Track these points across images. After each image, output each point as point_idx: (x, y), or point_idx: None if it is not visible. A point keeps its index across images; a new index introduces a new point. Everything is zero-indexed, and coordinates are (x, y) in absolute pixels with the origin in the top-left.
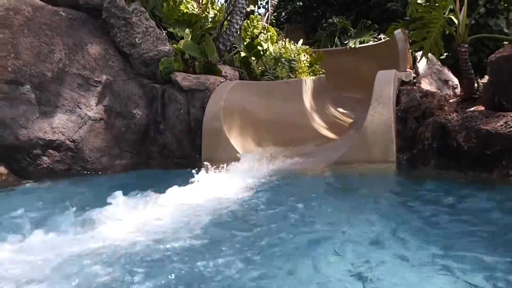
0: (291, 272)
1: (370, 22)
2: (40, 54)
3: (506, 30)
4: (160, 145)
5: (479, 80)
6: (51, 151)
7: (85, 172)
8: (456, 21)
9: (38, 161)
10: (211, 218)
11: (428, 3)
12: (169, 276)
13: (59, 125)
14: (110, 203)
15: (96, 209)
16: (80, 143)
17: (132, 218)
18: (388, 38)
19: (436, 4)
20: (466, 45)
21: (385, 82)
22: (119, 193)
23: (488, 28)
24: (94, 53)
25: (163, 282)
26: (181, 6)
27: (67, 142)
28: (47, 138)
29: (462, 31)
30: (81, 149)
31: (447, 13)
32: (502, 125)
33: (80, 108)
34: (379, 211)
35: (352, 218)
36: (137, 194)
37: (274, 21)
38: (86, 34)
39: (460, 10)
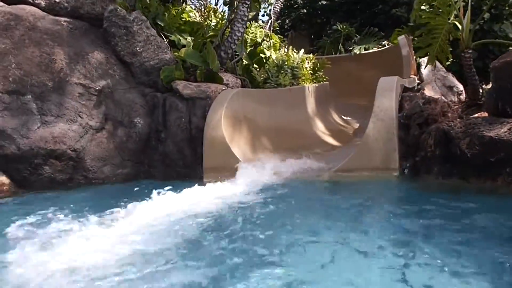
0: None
1: (375, 28)
2: (41, 64)
3: (511, 35)
4: (161, 154)
5: (484, 86)
6: (52, 160)
7: (86, 181)
8: (459, 27)
9: (40, 171)
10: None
11: (432, 9)
12: None
13: (60, 135)
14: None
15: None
16: (82, 152)
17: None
18: (392, 45)
19: (440, 10)
20: (470, 51)
21: (387, 88)
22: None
23: (493, 34)
24: (95, 62)
25: None
26: (183, 15)
27: (69, 151)
28: (48, 148)
29: (466, 36)
30: (82, 159)
31: (452, 18)
32: (506, 132)
33: (81, 118)
34: (380, 221)
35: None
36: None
37: (278, 28)
38: (87, 43)
39: (464, 15)
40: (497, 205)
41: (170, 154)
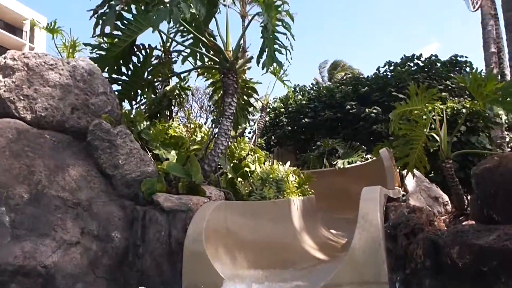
0: None
1: (357, 143)
2: (19, 176)
3: (489, 147)
4: (138, 270)
5: (468, 196)
6: (20, 277)
7: None
8: (438, 138)
9: None
10: None
11: (408, 122)
12: None
13: (31, 249)
14: None
15: None
16: (53, 268)
17: None
18: (374, 158)
19: (417, 123)
20: (451, 161)
21: (371, 198)
22: None
23: (471, 145)
24: (75, 175)
25: None
26: (169, 130)
27: (38, 267)
28: (17, 264)
29: (445, 147)
30: (52, 276)
31: (427, 130)
32: (495, 239)
33: (55, 231)
34: None
35: None
36: None
37: (264, 144)
38: (69, 156)
39: (441, 127)
40: None
41: (147, 271)
